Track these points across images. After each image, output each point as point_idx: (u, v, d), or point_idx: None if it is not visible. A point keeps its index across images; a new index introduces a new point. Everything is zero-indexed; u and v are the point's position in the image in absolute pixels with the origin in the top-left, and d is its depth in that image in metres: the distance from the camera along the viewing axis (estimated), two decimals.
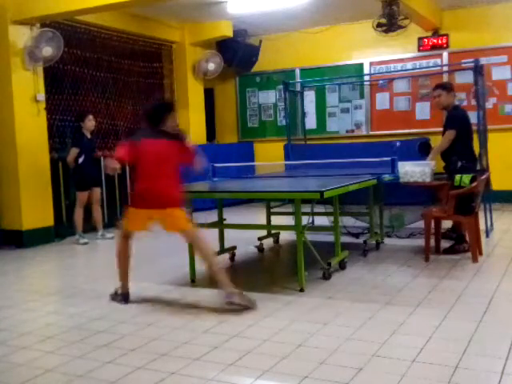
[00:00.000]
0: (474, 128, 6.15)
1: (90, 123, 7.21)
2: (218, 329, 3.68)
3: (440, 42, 9.19)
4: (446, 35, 9.13)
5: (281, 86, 9.59)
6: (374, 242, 5.98)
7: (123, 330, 3.76)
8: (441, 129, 5.98)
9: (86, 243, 7.09)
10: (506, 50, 8.79)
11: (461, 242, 5.58)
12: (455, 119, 5.74)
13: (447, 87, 5.87)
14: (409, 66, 9.40)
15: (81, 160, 7.15)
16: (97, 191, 7.40)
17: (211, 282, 5.04)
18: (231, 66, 10.11)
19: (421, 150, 6.06)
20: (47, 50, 6.95)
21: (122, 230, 4.45)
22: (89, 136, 7.29)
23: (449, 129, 5.70)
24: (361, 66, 9.81)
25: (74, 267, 6.02)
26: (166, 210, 4.21)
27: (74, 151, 7.12)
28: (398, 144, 6.17)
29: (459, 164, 5.59)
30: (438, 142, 6.01)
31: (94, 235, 7.39)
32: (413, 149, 6.47)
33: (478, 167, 5.90)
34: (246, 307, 4.03)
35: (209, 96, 10.72)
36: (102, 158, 7.72)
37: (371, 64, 9.74)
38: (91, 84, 8.32)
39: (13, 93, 6.92)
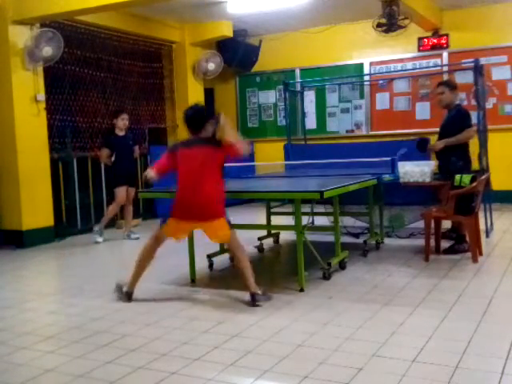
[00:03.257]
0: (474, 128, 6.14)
1: (121, 122, 7.25)
2: (218, 329, 3.68)
3: (440, 42, 9.19)
4: (446, 35, 9.14)
5: (281, 86, 9.61)
6: (373, 242, 5.98)
7: (123, 329, 3.76)
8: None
9: (97, 242, 7.13)
10: (506, 50, 8.79)
11: (461, 242, 5.58)
12: (469, 118, 5.72)
13: (450, 85, 5.86)
14: (409, 66, 9.41)
15: (113, 158, 7.24)
16: (132, 191, 7.34)
17: (211, 282, 5.06)
18: (231, 65, 10.11)
19: (419, 146, 6.04)
20: (47, 50, 6.95)
21: (158, 231, 4.46)
22: (121, 133, 7.30)
23: (466, 127, 5.67)
24: (361, 65, 9.82)
25: (74, 267, 6.01)
26: (206, 222, 4.23)
27: (103, 151, 7.22)
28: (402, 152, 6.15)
29: (459, 164, 5.59)
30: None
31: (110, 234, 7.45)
32: (414, 148, 6.45)
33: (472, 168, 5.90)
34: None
35: (209, 96, 10.72)
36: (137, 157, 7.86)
37: (371, 64, 9.75)
38: (91, 84, 8.32)
39: (13, 93, 6.92)
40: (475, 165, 6.04)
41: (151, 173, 4.37)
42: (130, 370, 3.08)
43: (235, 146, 4.20)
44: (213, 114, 4.48)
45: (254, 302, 4.16)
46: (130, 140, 7.44)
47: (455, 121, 5.75)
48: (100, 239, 7.17)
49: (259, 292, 4.20)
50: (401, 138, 8.46)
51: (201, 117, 4.41)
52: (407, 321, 3.66)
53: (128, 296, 4.42)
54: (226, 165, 6.15)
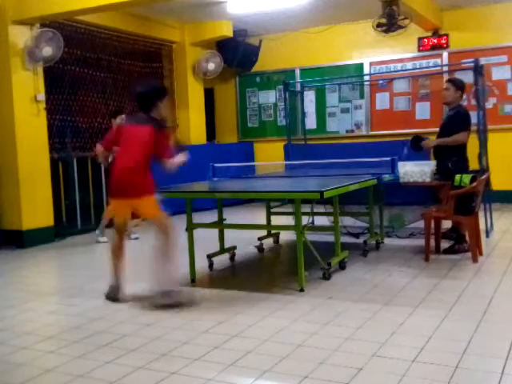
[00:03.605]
0: (473, 128, 6.15)
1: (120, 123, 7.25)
2: (218, 329, 3.68)
3: (440, 42, 9.19)
4: (446, 35, 9.14)
5: (281, 86, 9.62)
6: (373, 242, 5.98)
7: (123, 330, 3.76)
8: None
9: (104, 242, 7.14)
10: (506, 50, 8.79)
11: (461, 242, 5.58)
12: (467, 120, 5.73)
13: (457, 84, 5.87)
14: (409, 66, 9.41)
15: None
16: None
17: (211, 282, 5.06)
18: (231, 66, 10.11)
19: (413, 144, 6.05)
20: (47, 50, 6.95)
21: (115, 225, 4.50)
22: None
23: (463, 130, 5.67)
24: (361, 65, 9.82)
25: (74, 267, 6.02)
26: (138, 199, 4.21)
27: (98, 147, 7.20)
28: (405, 151, 6.11)
29: (459, 165, 5.60)
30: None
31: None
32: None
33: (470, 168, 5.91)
34: (180, 304, 4.15)
35: (209, 96, 10.72)
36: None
37: (371, 64, 9.74)
38: (91, 84, 8.32)
39: (13, 93, 6.92)
40: (474, 165, 6.05)
41: (99, 148, 4.52)
42: (130, 370, 3.08)
43: (171, 156, 4.18)
44: (165, 93, 4.35)
45: (159, 301, 4.16)
46: None
47: (453, 121, 5.78)
48: (103, 239, 7.17)
49: (167, 289, 4.17)
50: (401, 137, 8.46)
51: (151, 96, 4.27)
52: (407, 321, 3.66)
53: (114, 292, 4.44)
54: (224, 164, 6.22)
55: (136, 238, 7.17)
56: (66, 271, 6.01)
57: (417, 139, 6.06)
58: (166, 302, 4.15)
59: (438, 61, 9.24)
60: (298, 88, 9.22)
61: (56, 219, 7.50)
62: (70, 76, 7.96)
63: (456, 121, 5.75)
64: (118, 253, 4.47)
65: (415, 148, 6.03)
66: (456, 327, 3.51)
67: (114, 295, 4.43)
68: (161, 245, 4.23)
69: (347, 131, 10.08)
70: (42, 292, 4.96)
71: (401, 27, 7.41)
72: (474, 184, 5.16)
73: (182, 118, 9.94)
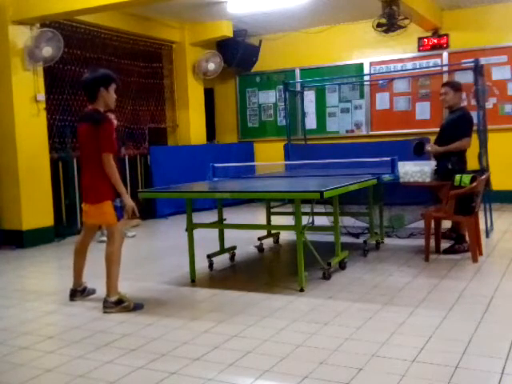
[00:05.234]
0: (474, 128, 6.15)
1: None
2: (218, 329, 3.68)
3: (440, 42, 9.20)
4: (446, 35, 9.14)
5: (281, 86, 9.63)
6: (373, 242, 5.98)
7: (123, 329, 3.76)
8: None
9: (102, 241, 7.16)
10: (506, 50, 8.79)
11: (461, 242, 5.59)
12: (470, 125, 5.70)
13: (455, 86, 5.83)
14: (409, 66, 9.41)
15: None
16: None
17: (211, 282, 5.06)
18: (231, 66, 10.11)
19: (415, 151, 6.02)
20: (47, 50, 6.95)
21: (84, 225, 4.55)
22: None
23: (465, 136, 5.63)
24: (361, 66, 9.82)
25: None
26: (92, 205, 4.19)
27: None
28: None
29: (457, 167, 5.61)
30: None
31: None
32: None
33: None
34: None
35: (209, 96, 10.72)
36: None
37: (371, 64, 9.74)
38: None
39: (13, 93, 6.92)
40: (474, 165, 6.05)
41: None
42: (129, 370, 3.08)
43: (109, 150, 4.04)
44: (110, 80, 4.18)
45: (104, 308, 4.16)
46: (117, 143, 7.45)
47: (457, 124, 5.74)
48: (104, 238, 7.18)
49: (112, 299, 4.16)
50: (401, 137, 8.46)
51: (94, 83, 4.16)
52: (407, 321, 3.66)
53: (71, 293, 4.50)
54: (224, 164, 6.22)
55: (133, 236, 7.18)
56: (65, 271, 5.97)
57: (419, 145, 6.01)
58: (107, 310, 4.15)
59: (438, 61, 9.24)
60: (298, 88, 9.22)
61: (56, 219, 7.50)
62: (70, 76, 7.95)
63: (459, 125, 5.71)
64: (80, 252, 4.52)
65: (417, 153, 5.99)
66: (456, 327, 3.51)
67: (72, 299, 4.50)
68: (106, 253, 4.28)
69: (347, 131, 10.08)
70: (42, 292, 4.96)
71: (401, 27, 7.40)
72: (474, 184, 5.16)
73: (181, 118, 9.94)
